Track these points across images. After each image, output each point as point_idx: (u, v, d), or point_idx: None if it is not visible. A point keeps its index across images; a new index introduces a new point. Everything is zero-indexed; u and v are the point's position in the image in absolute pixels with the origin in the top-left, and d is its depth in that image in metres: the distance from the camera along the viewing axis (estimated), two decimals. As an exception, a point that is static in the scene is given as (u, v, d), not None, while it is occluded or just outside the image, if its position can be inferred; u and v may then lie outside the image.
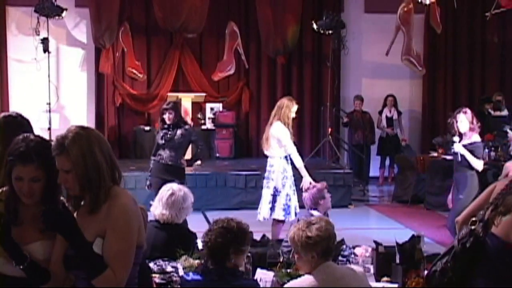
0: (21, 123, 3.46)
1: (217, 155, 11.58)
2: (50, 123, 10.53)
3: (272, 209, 6.64)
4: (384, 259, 4.12)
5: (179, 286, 3.68)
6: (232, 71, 12.07)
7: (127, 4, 11.78)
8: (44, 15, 10.45)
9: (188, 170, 7.44)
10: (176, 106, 7.17)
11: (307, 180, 6.43)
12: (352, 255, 4.61)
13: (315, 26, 11.15)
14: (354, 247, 4.79)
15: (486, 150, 8.96)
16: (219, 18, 12.11)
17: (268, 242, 5.63)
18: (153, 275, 3.78)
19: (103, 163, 2.47)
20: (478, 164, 6.30)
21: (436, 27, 11.07)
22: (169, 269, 3.88)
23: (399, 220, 8.71)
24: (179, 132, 6.92)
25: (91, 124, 11.04)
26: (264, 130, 7.03)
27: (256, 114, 12.35)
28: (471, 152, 6.28)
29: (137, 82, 12.02)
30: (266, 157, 6.81)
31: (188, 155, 7.47)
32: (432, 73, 12.70)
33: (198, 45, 12.28)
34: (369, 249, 4.58)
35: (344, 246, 4.73)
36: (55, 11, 10.44)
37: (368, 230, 8.05)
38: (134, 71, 11.82)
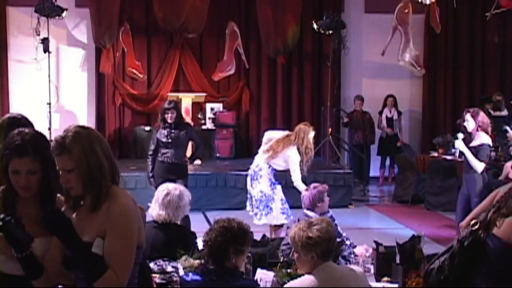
0: (24, 125, 3.47)
1: (217, 155, 11.58)
2: (50, 123, 10.53)
3: (269, 214, 6.68)
4: (385, 259, 4.13)
5: (179, 286, 3.68)
6: (232, 71, 12.08)
7: (128, 4, 11.77)
8: (44, 15, 10.45)
9: (190, 168, 7.45)
10: (177, 105, 7.25)
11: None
12: (352, 255, 4.62)
13: (315, 26, 11.15)
14: (354, 246, 4.80)
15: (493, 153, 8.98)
16: (219, 18, 12.11)
17: (268, 242, 5.64)
18: (154, 275, 3.78)
19: (104, 161, 2.47)
20: (478, 166, 6.21)
21: (436, 27, 11.08)
22: (169, 269, 3.88)
23: (399, 220, 8.72)
24: (182, 131, 7.00)
25: (92, 124, 11.04)
26: (264, 130, 7.05)
27: (256, 114, 12.35)
28: (476, 153, 6.20)
29: (137, 82, 12.03)
30: None
31: (187, 153, 7.50)
32: (433, 73, 12.70)
33: (199, 45, 12.28)
34: (370, 249, 4.59)
35: (344, 246, 4.73)
36: (56, 11, 10.44)
37: (368, 230, 8.05)
38: (135, 71, 11.82)
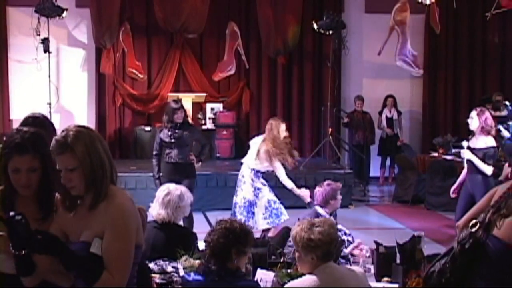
0: (42, 123, 3.47)
1: (218, 155, 11.59)
2: (50, 123, 10.52)
3: (251, 219, 6.67)
4: (385, 259, 4.12)
5: (179, 286, 3.68)
6: (232, 71, 12.08)
7: (128, 5, 11.78)
8: (44, 16, 10.45)
9: (197, 166, 7.39)
10: (183, 105, 7.20)
11: (304, 194, 6.54)
12: (350, 255, 4.61)
13: (315, 26, 11.15)
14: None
15: None
16: (220, 18, 12.12)
17: (268, 242, 5.63)
18: (154, 275, 3.78)
19: (105, 159, 2.48)
20: (487, 169, 6.18)
21: (435, 27, 11.09)
22: (169, 269, 3.88)
23: (399, 220, 8.71)
24: (186, 130, 6.96)
25: (92, 124, 11.06)
26: (264, 130, 7.03)
27: (256, 114, 12.35)
28: (483, 156, 6.15)
29: (137, 82, 12.03)
30: None
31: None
32: (433, 73, 12.71)
33: (199, 45, 12.29)
34: (364, 248, 4.60)
35: (344, 244, 4.73)
36: (56, 12, 10.44)
37: (368, 230, 8.05)
38: (135, 71, 11.83)
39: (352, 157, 11.67)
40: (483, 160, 6.15)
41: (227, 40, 12.02)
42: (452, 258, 2.65)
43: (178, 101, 7.27)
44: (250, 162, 6.75)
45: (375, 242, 4.30)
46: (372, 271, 4.22)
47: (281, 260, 4.14)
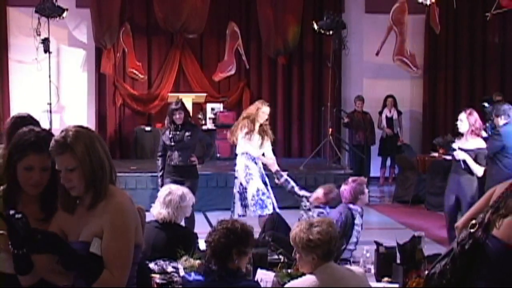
0: (30, 123, 3.47)
1: (218, 155, 11.58)
2: (51, 124, 10.53)
3: (246, 206, 6.93)
4: (385, 259, 4.13)
5: (180, 286, 3.68)
6: (232, 72, 12.08)
7: (128, 5, 11.79)
8: (45, 16, 10.45)
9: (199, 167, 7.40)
10: (184, 105, 7.13)
11: (270, 162, 6.95)
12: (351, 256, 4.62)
13: (315, 26, 11.14)
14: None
15: None
16: (220, 18, 12.12)
17: (268, 242, 5.64)
18: (154, 275, 3.78)
19: (105, 159, 2.48)
20: (479, 170, 6.11)
21: (435, 27, 11.09)
22: (170, 269, 3.88)
23: (399, 221, 8.71)
24: (187, 132, 6.90)
25: (92, 125, 11.07)
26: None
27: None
28: (474, 157, 6.10)
29: (138, 83, 12.04)
30: None
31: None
32: (433, 73, 12.71)
33: (199, 45, 12.29)
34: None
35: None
36: (56, 12, 10.44)
37: (368, 230, 8.03)
38: (135, 71, 11.83)
39: (352, 157, 11.66)
40: (474, 161, 6.12)
41: (227, 40, 12.03)
42: (452, 259, 2.64)
43: (179, 101, 7.19)
44: (239, 146, 7.03)
45: (375, 242, 4.30)
46: (373, 271, 4.22)
47: (281, 260, 4.15)
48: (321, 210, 6.05)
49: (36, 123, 3.48)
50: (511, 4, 9.24)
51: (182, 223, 4.72)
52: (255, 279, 3.76)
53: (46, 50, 10.54)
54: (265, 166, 7.20)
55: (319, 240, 3.07)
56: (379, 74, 12.29)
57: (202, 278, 3.17)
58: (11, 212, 2.30)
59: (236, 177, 7.19)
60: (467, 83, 12.78)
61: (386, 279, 4.05)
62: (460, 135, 6.30)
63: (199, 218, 7.62)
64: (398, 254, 4.04)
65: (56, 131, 2.59)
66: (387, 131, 11.62)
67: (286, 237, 6.55)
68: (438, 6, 10.71)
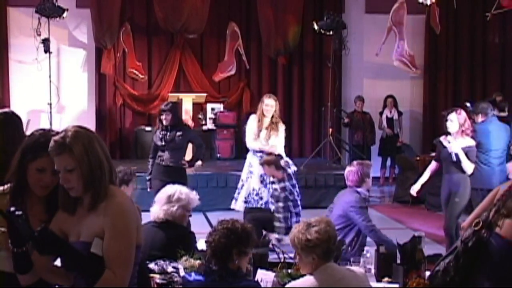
0: (20, 121, 3.47)
1: (218, 155, 11.59)
2: (51, 124, 10.54)
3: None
4: (385, 260, 4.12)
5: (180, 286, 3.68)
6: (233, 72, 12.09)
7: (128, 5, 11.80)
8: (45, 16, 10.46)
9: (189, 171, 7.44)
10: (174, 107, 7.12)
11: (272, 149, 6.97)
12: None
13: (316, 26, 11.15)
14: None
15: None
16: (220, 18, 12.12)
17: (269, 243, 5.63)
18: (154, 275, 3.78)
19: (104, 160, 2.48)
20: (470, 167, 6.07)
21: (436, 27, 11.10)
22: (170, 269, 3.87)
23: (400, 221, 8.72)
24: (178, 133, 6.91)
25: (92, 125, 11.06)
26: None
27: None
28: (465, 154, 6.07)
29: (138, 83, 12.04)
30: None
31: (188, 156, 7.47)
32: (433, 73, 12.71)
33: (199, 45, 12.29)
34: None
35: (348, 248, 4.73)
36: (56, 12, 10.45)
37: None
38: (135, 71, 11.84)
39: (352, 157, 11.64)
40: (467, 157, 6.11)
41: (228, 40, 12.03)
42: (456, 257, 2.66)
43: (169, 103, 7.26)
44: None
45: (376, 242, 4.30)
46: (373, 271, 4.22)
47: (282, 260, 4.14)
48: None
49: (19, 121, 3.46)
50: (511, 4, 9.24)
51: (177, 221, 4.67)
52: (255, 279, 3.76)
53: (46, 50, 10.55)
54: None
55: (318, 239, 3.07)
56: (379, 74, 12.30)
57: (203, 278, 3.17)
58: (12, 209, 2.31)
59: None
60: (467, 83, 12.78)
61: (386, 279, 4.05)
62: (447, 134, 6.27)
63: (199, 218, 7.62)
64: (398, 254, 4.04)
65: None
66: (387, 131, 11.63)
67: (264, 214, 6.66)
68: (438, 6, 10.71)
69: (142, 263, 3.33)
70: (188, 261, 3.97)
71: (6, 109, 3.75)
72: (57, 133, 2.59)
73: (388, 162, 11.87)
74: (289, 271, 3.90)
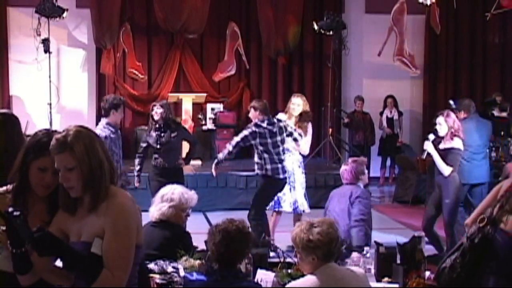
0: (18, 122, 3.47)
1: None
2: (51, 124, 10.54)
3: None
4: (385, 260, 4.12)
5: (180, 286, 3.68)
6: (233, 72, 12.09)
7: (128, 5, 11.80)
8: (45, 16, 10.46)
9: (188, 171, 7.44)
10: (166, 104, 7.11)
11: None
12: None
13: (316, 26, 11.15)
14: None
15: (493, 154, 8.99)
16: (220, 18, 12.13)
17: (268, 242, 5.63)
18: (154, 275, 3.78)
19: (104, 160, 2.48)
20: (445, 169, 6.07)
21: (436, 27, 11.11)
22: (170, 269, 3.87)
23: (400, 221, 8.72)
24: (172, 134, 6.90)
25: (92, 125, 11.04)
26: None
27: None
28: (444, 156, 6.09)
29: (138, 83, 12.04)
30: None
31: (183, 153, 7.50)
32: (433, 73, 12.71)
33: (199, 45, 12.30)
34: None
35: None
36: (56, 12, 10.45)
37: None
38: (135, 71, 11.84)
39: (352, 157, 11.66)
40: (443, 159, 6.09)
41: (228, 40, 12.04)
42: (462, 254, 2.69)
43: (164, 100, 7.30)
44: None
45: (375, 242, 4.30)
46: (373, 271, 4.22)
47: (281, 260, 4.14)
48: None
49: (18, 121, 3.46)
50: (511, 4, 9.25)
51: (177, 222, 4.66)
52: (255, 279, 3.76)
53: (46, 50, 10.55)
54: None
55: (319, 240, 3.08)
56: (379, 75, 12.30)
57: (205, 277, 3.17)
58: (10, 209, 2.31)
59: None
60: (467, 83, 12.78)
61: (386, 279, 4.05)
62: (439, 137, 6.28)
63: (199, 218, 7.62)
64: (398, 254, 4.04)
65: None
66: (387, 130, 11.63)
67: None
68: (438, 6, 10.72)
69: (142, 263, 3.33)
70: (188, 261, 3.97)
71: (4, 110, 3.76)
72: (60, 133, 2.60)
73: (388, 162, 11.88)
74: (289, 271, 3.90)
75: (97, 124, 11.47)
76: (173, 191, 4.39)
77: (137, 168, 7.13)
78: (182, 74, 12.19)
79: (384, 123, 11.68)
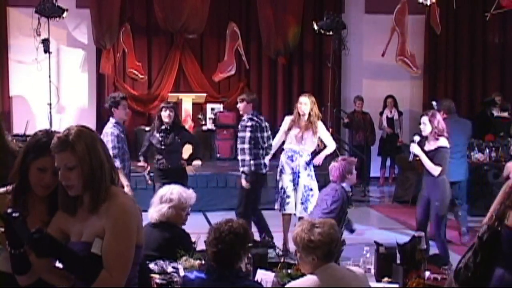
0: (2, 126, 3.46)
1: (218, 155, 11.58)
2: (51, 124, 10.54)
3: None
4: (385, 260, 4.13)
5: (180, 286, 3.68)
6: (232, 72, 12.10)
7: (128, 5, 11.80)
8: (45, 16, 10.47)
9: (189, 171, 7.45)
10: (175, 106, 7.22)
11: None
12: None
13: (316, 26, 11.16)
14: None
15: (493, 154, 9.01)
16: (220, 18, 12.13)
17: (269, 243, 5.63)
18: (154, 275, 3.78)
19: (105, 160, 2.48)
20: (433, 169, 6.07)
21: (436, 27, 11.12)
22: (169, 269, 3.87)
23: (400, 221, 8.72)
24: (176, 136, 6.94)
25: (92, 125, 11.05)
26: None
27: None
28: (432, 157, 6.08)
29: (138, 83, 12.04)
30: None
31: (185, 154, 7.50)
32: (433, 73, 12.72)
33: (199, 45, 12.30)
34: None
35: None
36: (56, 12, 10.45)
37: (368, 230, 8.05)
38: (135, 71, 11.84)
39: (352, 157, 11.65)
40: (431, 159, 6.10)
41: (228, 40, 12.04)
42: (474, 252, 2.78)
43: (170, 102, 7.35)
44: None
45: (375, 242, 4.30)
46: (372, 271, 4.22)
47: (281, 260, 4.15)
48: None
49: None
50: (511, 4, 9.25)
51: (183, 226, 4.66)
52: (255, 279, 3.76)
53: (46, 50, 10.55)
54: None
55: (320, 241, 3.08)
56: (379, 75, 12.30)
57: (205, 276, 3.16)
58: (9, 211, 2.31)
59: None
60: (467, 83, 12.79)
61: (386, 279, 4.06)
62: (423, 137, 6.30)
63: (199, 218, 7.62)
64: (398, 254, 4.04)
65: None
66: (387, 130, 11.63)
67: None
68: (438, 6, 10.73)
69: (142, 263, 3.33)
70: (188, 261, 3.97)
71: None
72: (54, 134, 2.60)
73: (388, 162, 11.88)
74: (289, 271, 3.90)
75: (97, 124, 11.64)
76: (171, 191, 4.39)
77: (145, 166, 7.22)
78: (182, 74, 12.19)
79: (384, 123, 11.68)
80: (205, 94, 11.64)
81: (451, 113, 7.34)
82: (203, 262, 3.82)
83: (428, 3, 10.02)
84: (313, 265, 3.11)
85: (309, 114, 6.89)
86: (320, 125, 7.02)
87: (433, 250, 6.41)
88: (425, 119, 6.15)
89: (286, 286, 3.33)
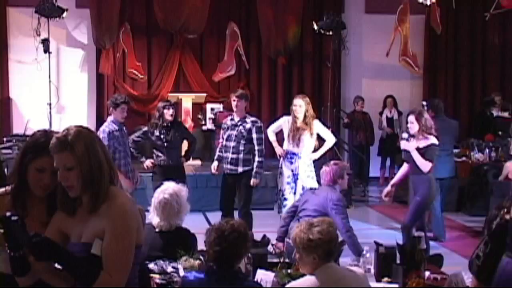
0: None
1: (218, 155, 11.56)
2: (50, 124, 10.53)
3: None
4: (385, 260, 4.13)
5: (180, 286, 3.67)
6: (232, 72, 12.09)
7: (128, 5, 11.79)
8: (44, 16, 10.46)
9: (188, 171, 7.47)
10: (174, 103, 7.32)
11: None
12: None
13: (315, 26, 11.15)
14: None
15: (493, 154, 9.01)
16: (220, 18, 12.12)
17: (268, 243, 5.64)
18: (154, 275, 3.78)
19: (104, 161, 2.48)
20: (424, 165, 6.08)
21: (436, 27, 11.11)
22: (169, 269, 3.87)
23: (400, 221, 8.69)
24: (176, 133, 7.00)
25: (92, 125, 11.05)
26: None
27: (256, 115, 12.30)
28: (422, 155, 6.09)
29: (137, 83, 12.04)
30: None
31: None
32: (433, 73, 12.71)
33: (199, 45, 12.30)
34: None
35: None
36: (56, 12, 10.44)
37: (368, 230, 8.05)
38: (135, 71, 11.84)
39: (352, 157, 11.66)
40: (422, 156, 6.10)
41: (227, 40, 12.03)
42: (485, 243, 2.98)
43: (169, 101, 7.45)
44: None
45: (375, 242, 4.30)
46: (372, 271, 4.22)
47: (281, 260, 4.15)
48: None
49: None
50: (511, 4, 9.25)
51: (184, 224, 4.65)
52: (255, 279, 3.76)
53: (46, 50, 10.54)
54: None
55: (320, 240, 3.08)
56: (378, 75, 12.30)
57: (204, 276, 3.16)
58: (8, 214, 2.31)
59: None
60: (467, 83, 12.79)
61: (386, 279, 4.06)
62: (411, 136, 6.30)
63: (199, 218, 7.62)
64: (398, 255, 4.05)
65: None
66: (388, 130, 11.63)
67: None
68: (439, 6, 10.72)
69: (142, 263, 3.33)
70: (188, 261, 3.97)
71: None
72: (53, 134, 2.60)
73: (388, 162, 11.87)
74: (289, 271, 3.90)
75: (97, 124, 11.62)
76: (163, 196, 4.32)
77: (139, 155, 7.38)
78: (182, 74, 12.19)
79: (384, 123, 11.68)
80: (205, 94, 11.62)
81: (439, 112, 7.55)
82: (203, 262, 3.82)
83: (428, 3, 10.02)
84: (313, 265, 3.10)
85: (305, 115, 6.87)
86: (316, 123, 7.00)
87: (433, 250, 6.42)
88: (411, 117, 6.18)
89: (286, 286, 3.33)
